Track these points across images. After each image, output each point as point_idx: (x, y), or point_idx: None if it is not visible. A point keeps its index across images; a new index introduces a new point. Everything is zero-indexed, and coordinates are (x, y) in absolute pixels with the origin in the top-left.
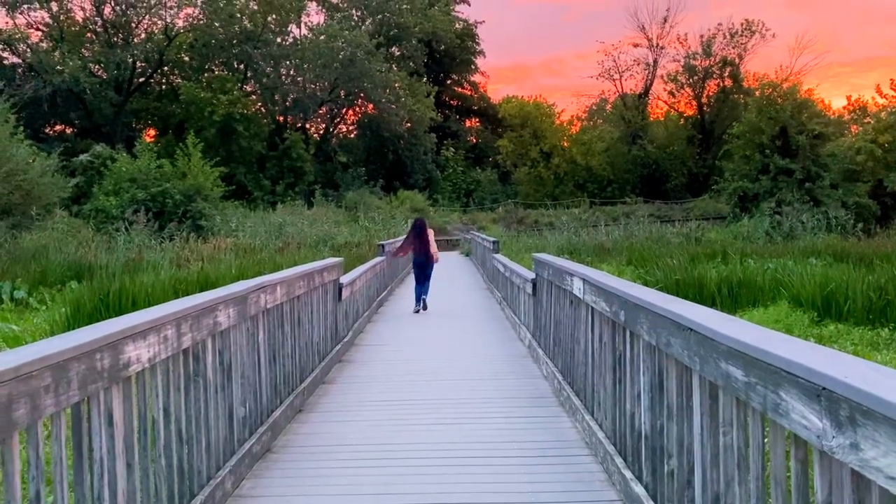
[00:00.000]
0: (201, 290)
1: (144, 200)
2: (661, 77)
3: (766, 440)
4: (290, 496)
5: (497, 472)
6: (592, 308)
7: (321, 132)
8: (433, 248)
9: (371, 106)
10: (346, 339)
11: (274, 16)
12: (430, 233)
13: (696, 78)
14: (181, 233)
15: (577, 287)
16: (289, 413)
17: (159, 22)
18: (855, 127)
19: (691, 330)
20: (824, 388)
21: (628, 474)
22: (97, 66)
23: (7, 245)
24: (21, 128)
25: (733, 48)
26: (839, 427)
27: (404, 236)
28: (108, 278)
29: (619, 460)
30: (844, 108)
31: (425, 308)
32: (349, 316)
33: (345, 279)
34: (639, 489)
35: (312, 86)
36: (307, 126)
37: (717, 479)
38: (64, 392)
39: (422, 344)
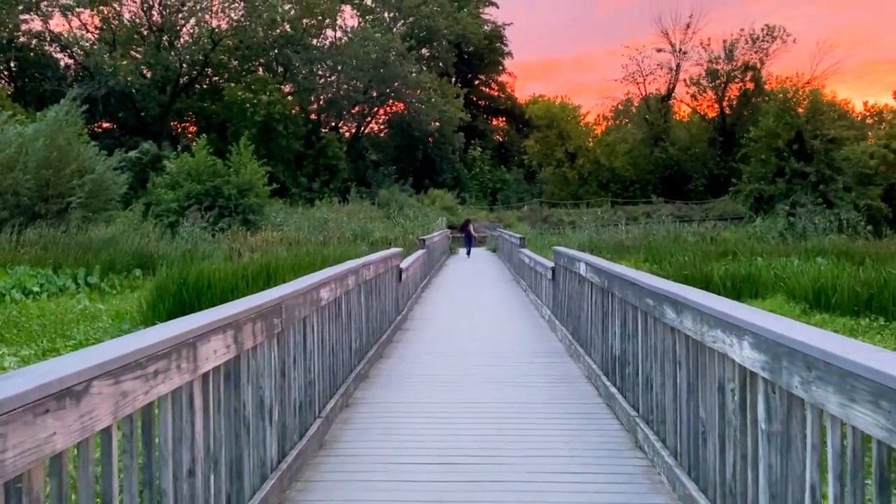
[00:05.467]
0: (266, 277)
1: (199, 195)
2: (684, 80)
3: (663, 339)
4: (388, 398)
5: (525, 389)
6: (591, 283)
7: (353, 131)
8: (473, 231)
9: (402, 105)
10: (403, 313)
11: (310, 20)
12: (472, 226)
13: (718, 81)
14: (233, 226)
15: (582, 269)
16: (376, 356)
17: (204, 25)
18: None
19: (635, 284)
20: (675, 301)
21: (608, 382)
22: (145, 68)
23: (79, 236)
24: (85, 129)
25: (755, 53)
26: (678, 314)
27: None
28: (170, 266)
29: (603, 378)
30: (858, 113)
31: (469, 255)
32: (405, 295)
33: (403, 265)
34: (613, 389)
35: (346, 86)
36: (340, 125)
37: (648, 367)
38: (306, 307)
39: (461, 320)
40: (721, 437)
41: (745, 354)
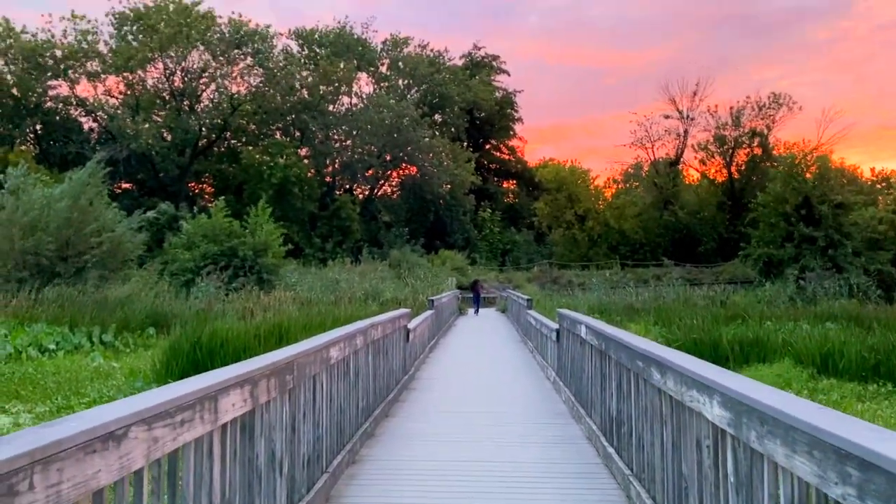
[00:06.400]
0: (278, 336)
1: (215, 255)
2: (693, 146)
3: (652, 399)
4: (393, 456)
5: (528, 450)
6: (591, 345)
7: (366, 193)
8: (482, 289)
9: (414, 169)
10: (410, 373)
11: (327, 87)
12: (482, 286)
13: (726, 147)
14: (248, 286)
15: (583, 332)
16: (382, 414)
17: (224, 91)
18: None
19: (628, 347)
20: (660, 363)
21: (606, 443)
22: (165, 131)
23: (95, 295)
24: (105, 191)
25: (762, 119)
26: (662, 376)
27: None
28: (183, 325)
29: (602, 438)
30: (867, 178)
31: (477, 313)
32: (412, 355)
33: (410, 325)
34: (610, 449)
35: (361, 150)
36: (354, 187)
37: (640, 427)
38: (317, 365)
39: (467, 381)
40: (700, 491)
41: (715, 413)
